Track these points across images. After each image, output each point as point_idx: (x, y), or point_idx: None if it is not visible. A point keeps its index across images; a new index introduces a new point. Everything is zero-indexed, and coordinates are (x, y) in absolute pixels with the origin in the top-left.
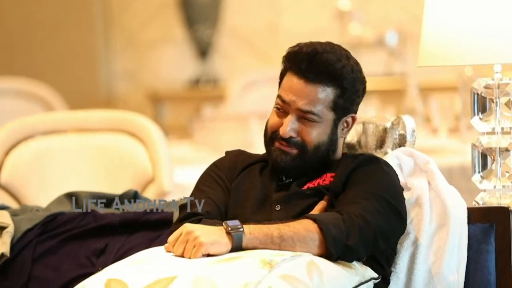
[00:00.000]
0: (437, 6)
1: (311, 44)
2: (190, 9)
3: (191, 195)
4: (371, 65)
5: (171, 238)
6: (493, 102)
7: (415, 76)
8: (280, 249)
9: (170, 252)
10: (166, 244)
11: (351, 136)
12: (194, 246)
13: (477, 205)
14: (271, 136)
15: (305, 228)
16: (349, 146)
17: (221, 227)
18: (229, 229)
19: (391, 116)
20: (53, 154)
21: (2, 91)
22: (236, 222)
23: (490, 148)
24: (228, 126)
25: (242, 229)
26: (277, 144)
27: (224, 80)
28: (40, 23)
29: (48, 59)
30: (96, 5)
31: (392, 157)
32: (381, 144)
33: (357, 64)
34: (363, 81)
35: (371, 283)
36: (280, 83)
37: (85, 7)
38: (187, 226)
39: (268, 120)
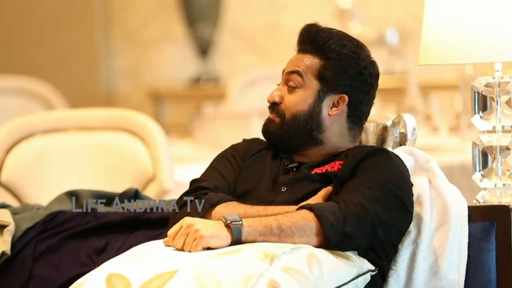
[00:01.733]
0: (437, 4)
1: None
2: (190, 7)
3: (204, 172)
4: None
5: (171, 231)
6: (493, 100)
7: (415, 75)
8: (279, 240)
9: (169, 245)
10: (165, 238)
11: None
12: (195, 239)
13: (477, 204)
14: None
15: (303, 217)
16: None
17: (220, 221)
18: (228, 222)
19: (392, 115)
20: (54, 152)
21: (2, 90)
22: (235, 216)
23: (491, 146)
24: (229, 125)
25: (241, 222)
26: (269, 114)
27: (224, 78)
28: (40, 22)
29: (48, 57)
30: (97, 3)
31: None
32: (381, 142)
33: (359, 48)
34: (358, 63)
35: (368, 275)
36: None
37: (85, 5)
38: (187, 220)
39: None
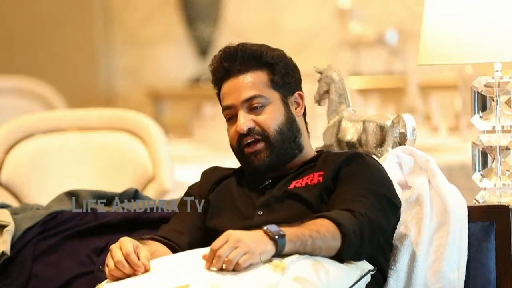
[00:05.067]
0: (437, 4)
1: (221, 51)
2: (190, 7)
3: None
4: (371, 64)
5: (215, 245)
6: (493, 100)
7: (415, 75)
8: (307, 252)
9: (206, 259)
10: (202, 253)
11: (351, 135)
12: (246, 253)
13: (477, 204)
14: (238, 146)
15: (333, 237)
16: (350, 144)
17: (262, 233)
18: (273, 235)
19: (392, 115)
20: (54, 152)
21: (2, 89)
22: (276, 227)
23: (490, 146)
24: None
25: (283, 233)
26: (246, 150)
27: None
28: (40, 21)
29: (48, 57)
30: (96, 3)
31: (392, 155)
32: (381, 142)
33: (276, 49)
34: (288, 59)
35: (369, 276)
36: (221, 103)
37: (85, 4)
38: (233, 233)
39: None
